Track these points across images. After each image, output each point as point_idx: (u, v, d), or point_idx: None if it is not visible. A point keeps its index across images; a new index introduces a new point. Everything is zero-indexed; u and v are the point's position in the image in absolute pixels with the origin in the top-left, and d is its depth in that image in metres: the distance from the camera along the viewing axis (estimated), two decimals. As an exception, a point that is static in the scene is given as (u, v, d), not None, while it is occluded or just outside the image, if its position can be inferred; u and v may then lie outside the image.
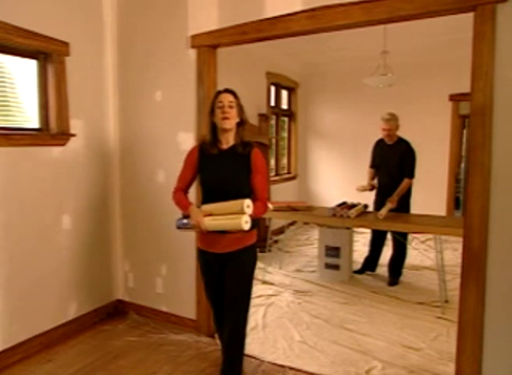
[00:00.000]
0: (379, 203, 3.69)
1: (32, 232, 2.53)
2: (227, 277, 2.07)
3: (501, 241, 1.81)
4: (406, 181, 3.62)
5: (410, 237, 4.11)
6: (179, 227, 2.06)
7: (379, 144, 3.90)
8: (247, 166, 1.99)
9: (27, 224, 2.50)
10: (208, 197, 2.02)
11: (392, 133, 3.71)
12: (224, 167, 1.99)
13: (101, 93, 2.96)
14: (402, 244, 3.74)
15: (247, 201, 1.83)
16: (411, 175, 3.63)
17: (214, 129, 2.02)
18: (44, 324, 2.62)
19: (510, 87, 1.75)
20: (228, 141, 2.02)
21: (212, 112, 2.01)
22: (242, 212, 1.81)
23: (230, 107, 1.96)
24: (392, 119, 3.67)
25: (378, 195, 3.85)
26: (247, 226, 1.81)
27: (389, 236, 3.91)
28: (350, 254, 3.91)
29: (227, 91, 2.03)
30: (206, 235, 1.98)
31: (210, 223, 1.89)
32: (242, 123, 2.04)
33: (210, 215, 1.91)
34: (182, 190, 2.10)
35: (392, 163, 3.69)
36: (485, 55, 1.77)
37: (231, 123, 1.97)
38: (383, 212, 3.31)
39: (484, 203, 1.82)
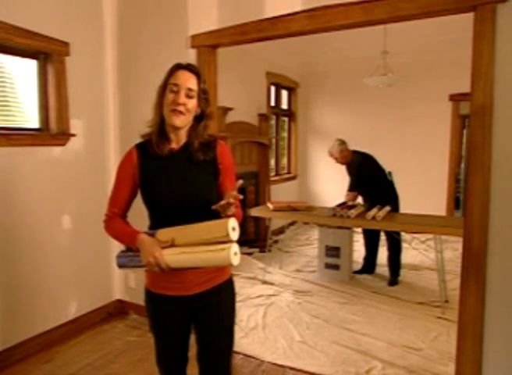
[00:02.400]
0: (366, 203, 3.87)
1: (32, 232, 2.53)
2: (202, 330, 1.46)
3: (501, 241, 1.81)
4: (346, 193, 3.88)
5: (410, 237, 4.12)
6: (123, 265, 1.40)
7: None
8: (214, 168, 1.41)
9: (27, 224, 2.50)
10: (159, 221, 1.39)
11: (340, 161, 3.89)
12: (182, 175, 1.38)
13: (101, 93, 2.96)
14: (396, 241, 3.75)
15: (233, 222, 1.21)
16: (349, 189, 3.88)
17: (162, 117, 1.39)
18: (44, 324, 2.62)
19: (510, 87, 1.75)
20: (179, 138, 1.41)
21: (163, 93, 1.38)
22: (225, 239, 1.21)
23: (188, 97, 1.35)
24: (332, 151, 3.86)
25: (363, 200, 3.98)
26: (236, 260, 1.21)
27: (383, 237, 3.92)
28: (350, 254, 3.91)
29: (189, 69, 1.38)
30: (163, 272, 1.29)
31: (174, 258, 1.26)
32: (204, 118, 1.42)
33: (172, 245, 1.27)
34: (119, 216, 1.45)
35: (353, 179, 3.88)
36: (485, 55, 1.77)
37: (184, 120, 1.36)
38: (381, 213, 3.31)
39: (484, 203, 1.82)
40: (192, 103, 1.36)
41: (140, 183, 1.41)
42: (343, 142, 3.83)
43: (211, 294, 1.42)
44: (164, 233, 1.30)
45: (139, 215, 1.51)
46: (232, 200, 1.22)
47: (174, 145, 1.42)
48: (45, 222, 2.61)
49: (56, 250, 2.68)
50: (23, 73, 2.55)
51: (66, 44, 2.64)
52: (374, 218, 3.28)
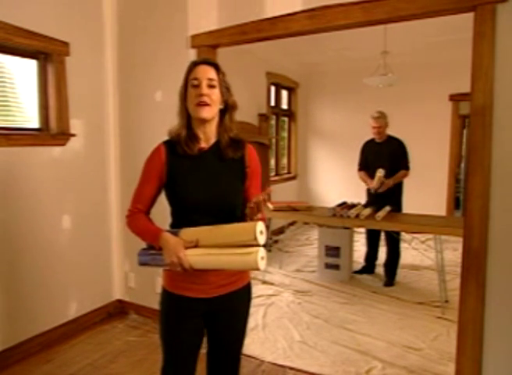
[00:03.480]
0: (372, 202, 3.68)
1: (32, 232, 2.53)
2: (216, 333, 1.44)
3: (501, 241, 1.81)
4: (402, 171, 3.67)
5: (410, 237, 4.11)
6: (145, 263, 1.39)
7: (368, 145, 3.91)
8: (241, 170, 1.41)
9: (27, 224, 2.50)
10: (182, 220, 1.38)
11: (382, 131, 3.75)
12: (210, 175, 1.37)
13: (101, 93, 2.96)
14: (395, 245, 3.75)
15: (261, 226, 1.20)
16: (407, 167, 3.68)
17: (188, 119, 1.40)
18: (44, 324, 2.62)
19: (510, 87, 1.75)
20: (208, 136, 1.39)
21: (185, 93, 1.38)
22: (253, 242, 1.18)
23: (210, 87, 1.34)
24: (382, 117, 3.70)
25: (370, 195, 3.84)
26: (263, 265, 1.19)
27: (382, 237, 3.92)
28: (350, 254, 3.91)
29: (206, 62, 1.39)
30: (185, 273, 1.27)
31: (199, 259, 1.24)
32: (228, 109, 1.41)
33: (196, 246, 1.26)
34: (142, 212, 1.43)
35: (384, 160, 3.67)
36: (485, 55, 1.77)
37: (211, 111, 1.34)
38: (381, 213, 3.31)
39: (484, 203, 1.82)
40: (215, 94, 1.35)
41: (167, 182, 1.38)
42: (386, 117, 3.78)
43: (229, 299, 1.39)
44: (188, 233, 1.28)
45: (162, 212, 1.50)
46: (263, 201, 1.22)
47: (203, 144, 1.40)
48: (45, 222, 2.60)
49: (56, 250, 2.68)
50: (23, 73, 2.55)
51: (66, 44, 2.64)
52: (373, 218, 3.28)
